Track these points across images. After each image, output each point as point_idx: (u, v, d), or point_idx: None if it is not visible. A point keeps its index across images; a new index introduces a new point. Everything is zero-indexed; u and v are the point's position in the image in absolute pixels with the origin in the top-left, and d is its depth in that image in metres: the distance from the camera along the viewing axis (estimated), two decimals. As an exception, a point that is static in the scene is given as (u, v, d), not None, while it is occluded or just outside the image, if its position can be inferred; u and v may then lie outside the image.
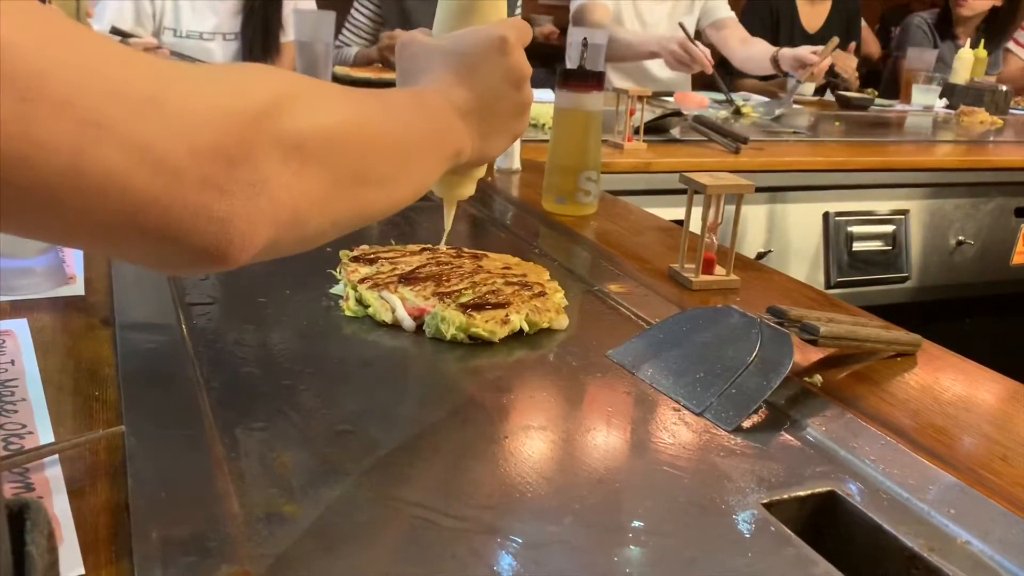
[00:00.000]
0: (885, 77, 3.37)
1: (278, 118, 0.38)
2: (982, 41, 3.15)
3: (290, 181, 0.39)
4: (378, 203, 0.49)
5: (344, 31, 2.49)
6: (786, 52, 2.46)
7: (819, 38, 3.11)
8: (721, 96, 2.36)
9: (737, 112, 2.18)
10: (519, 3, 2.51)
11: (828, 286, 1.65)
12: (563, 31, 3.28)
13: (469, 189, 0.68)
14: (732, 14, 2.71)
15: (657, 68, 2.58)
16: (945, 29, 3.33)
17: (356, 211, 0.47)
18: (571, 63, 1.28)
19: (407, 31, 0.63)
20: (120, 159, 0.31)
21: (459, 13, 0.62)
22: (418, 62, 0.59)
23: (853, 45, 2.83)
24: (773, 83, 2.90)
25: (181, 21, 2.17)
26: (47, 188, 0.30)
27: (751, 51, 2.61)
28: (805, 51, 2.42)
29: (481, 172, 0.68)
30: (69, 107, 0.30)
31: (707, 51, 2.36)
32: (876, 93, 2.86)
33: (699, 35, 2.70)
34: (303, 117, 0.40)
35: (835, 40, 2.38)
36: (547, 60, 3.02)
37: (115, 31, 2.05)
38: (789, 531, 0.48)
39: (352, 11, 2.51)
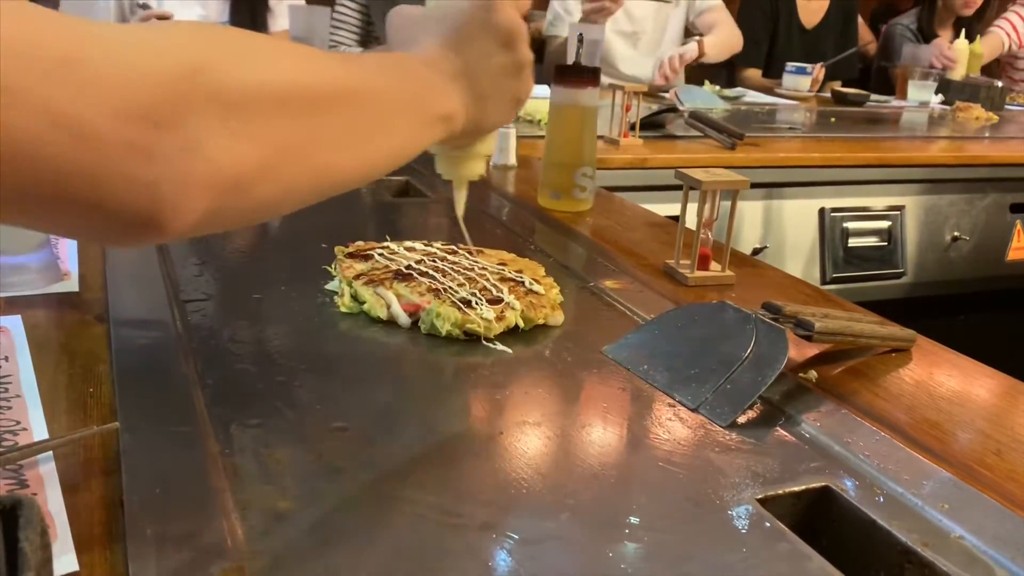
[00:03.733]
0: (872, 86, 3.38)
1: (211, 75, 0.36)
2: (978, 37, 3.16)
3: (228, 143, 0.36)
4: (342, 168, 0.45)
5: (333, 31, 2.47)
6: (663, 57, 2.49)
7: (816, 34, 3.12)
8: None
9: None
10: None
11: (823, 282, 1.65)
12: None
13: (477, 167, 0.66)
14: (715, 2, 2.70)
15: (624, 65, 2.59)
16: (928, 32, 3.34)
17: (314, 177, 0.43)
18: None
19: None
20: (32, 126, 0.30)
21: None
22: (406, 32, 0.58)
23: None
24: (771, 80, 2.91)
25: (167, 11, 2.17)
26: None
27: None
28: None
29: (489, 149, 0.65)
30: None
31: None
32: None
33: (688, 32, 2.70)
34: (242, 73, 0.37)
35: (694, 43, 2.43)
36: (542, 55, 3.02)
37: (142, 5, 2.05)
38: (784, 526, 0.48)
39: (337, 9, 2.49)
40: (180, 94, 0.34)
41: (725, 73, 3.04)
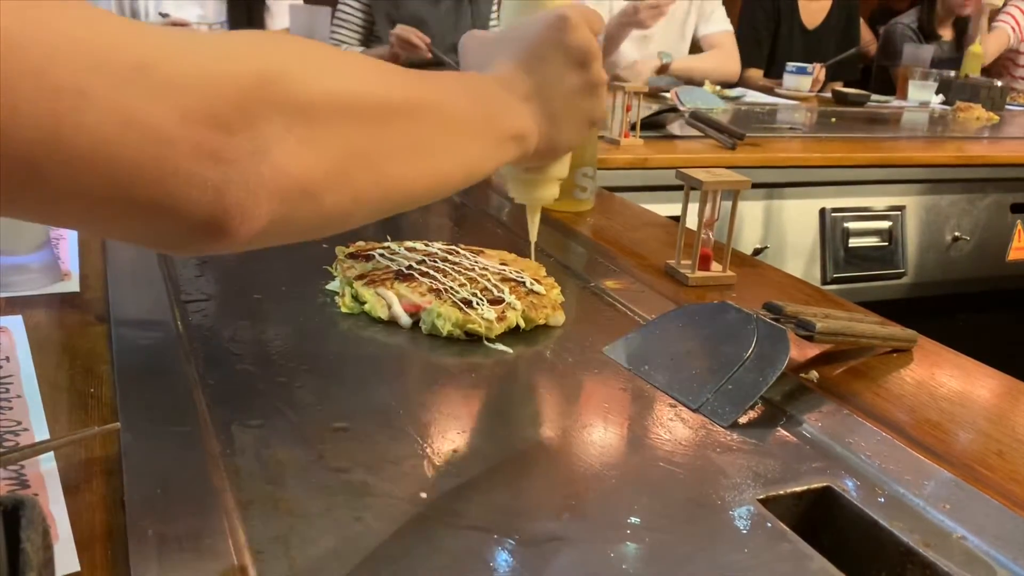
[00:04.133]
0: (872, 86, 3.38)
1: (281, 82, 0.36)
2: (978, 38, 3.16)
3: (296, 149, 0.37)
4: (411, 180, 0.45)
5: (334, 30, 2.47)
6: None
7: (817, 35, 3.12)
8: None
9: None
10: None
11: (824, 282, 1.65)
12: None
13: (551, 191, 0.65)
14: (724, 28, 2.71)
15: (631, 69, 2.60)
16: (928, 31, 3.34)
17: (383, 187, 0.43)
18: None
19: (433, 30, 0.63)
20: (106, 128, 0.30)
21: (524, 3, 0.61)
22: (480, 54, 0.58)
23: None
24: (772, 81, 2.91)
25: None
26: (26, 159, 0.29)
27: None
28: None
29: (563, 172, 0.64)
30: (45, 74, 0.28)
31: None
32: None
33: (696, 46, 2.72)
34: (310, 81, 0.38)
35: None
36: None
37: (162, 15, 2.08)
38: (785, 527, 0.48)
39: (339, 10, 2.49)
40: (249, 100, 0.35)
41: None
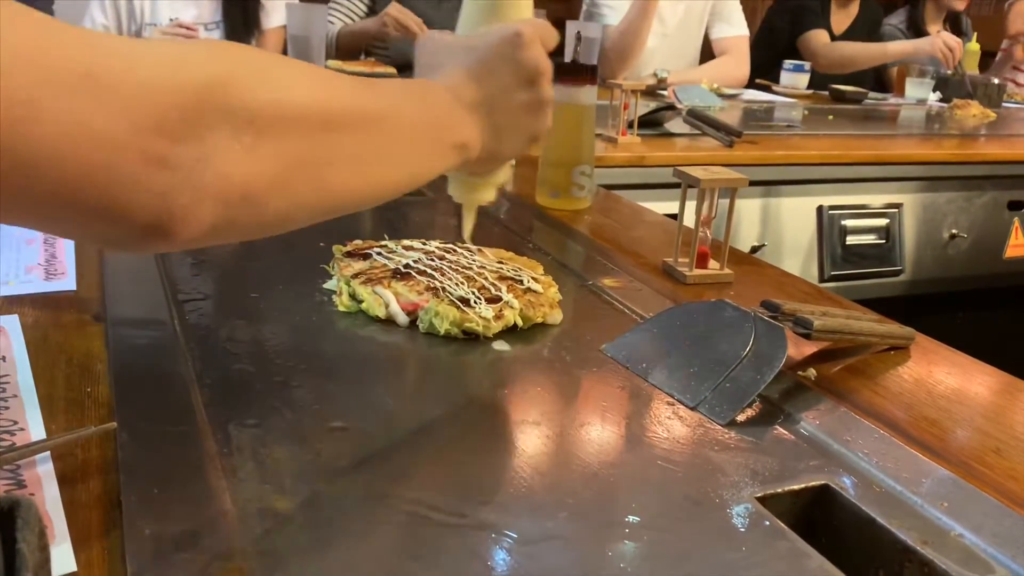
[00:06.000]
0: (868, 83, 3.39)
1: (229, 91, 0.37)
2: (975, 35, 3.16)
3: (240, 157, 0.38)
4: (354, 188, 0.46)
5: (331, 14, 2.44)
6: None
7: (842, 40, 3.11)
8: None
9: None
10: None
11: (822, 280, 1.65)
12: (558, 24, 3.26)
13: (488, 195, 0.67)
14: (738, 32, 2.68)
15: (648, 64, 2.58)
16: (918, 28, 3.35)
17: (326, 195, 0.44)
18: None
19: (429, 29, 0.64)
20: (55, 136, 0.31)
21: (482, 13, 0.62)
22: (435, 58, 0.59)
23: None
24: (767, 79, 2.91)
25: (161, 14, 2.16)
26: None
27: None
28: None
29: (504, 178, 0.67)
30: None
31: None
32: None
33: (707, 43, 2.69)
34: (258, 91, 0.39)
35: None
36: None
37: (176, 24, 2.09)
38: (783, 525, 0.48)
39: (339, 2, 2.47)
40: (197, 108, 0.36)
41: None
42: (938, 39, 2.86)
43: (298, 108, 0.41)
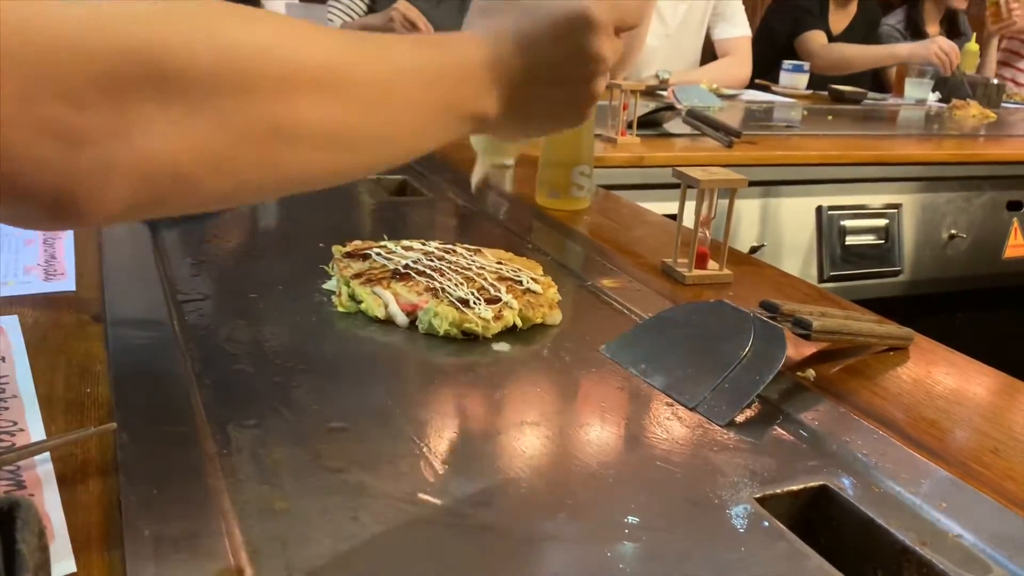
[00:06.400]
0: (867, 83, 3.39)
1: (161, 56, 0.33)
2: (974, 35, 3.16)
3: (166, 129, 0.33)
4: (319, 165, 0.40)
5: (330, 12, 2.43)
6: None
7: (841, 40, 3.11)
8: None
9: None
10: None
11: (821, 280, 1.65)
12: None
13: (506, 156, 0.61)
14: (741, 33, 2.67)
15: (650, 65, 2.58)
16: (917, 28, 3.35)
17: (279, 173, 0.38)
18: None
19: None
20: None
21: None
22: (494, 2, 0.50)
23: None
24: (766, 79, 2.91)
25: None
26: None
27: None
28: None
29: (525, 147, 0.60)
30: None
31: None
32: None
33: (708, 45, 2.69)
34: (199, 55, 0.34)
35: None
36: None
37: None
38: (782, 525, 0.48)
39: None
40: (114, 76, 0.32)
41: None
42: (934, 44, 2.87)
43: (250, 72, 0.36)
